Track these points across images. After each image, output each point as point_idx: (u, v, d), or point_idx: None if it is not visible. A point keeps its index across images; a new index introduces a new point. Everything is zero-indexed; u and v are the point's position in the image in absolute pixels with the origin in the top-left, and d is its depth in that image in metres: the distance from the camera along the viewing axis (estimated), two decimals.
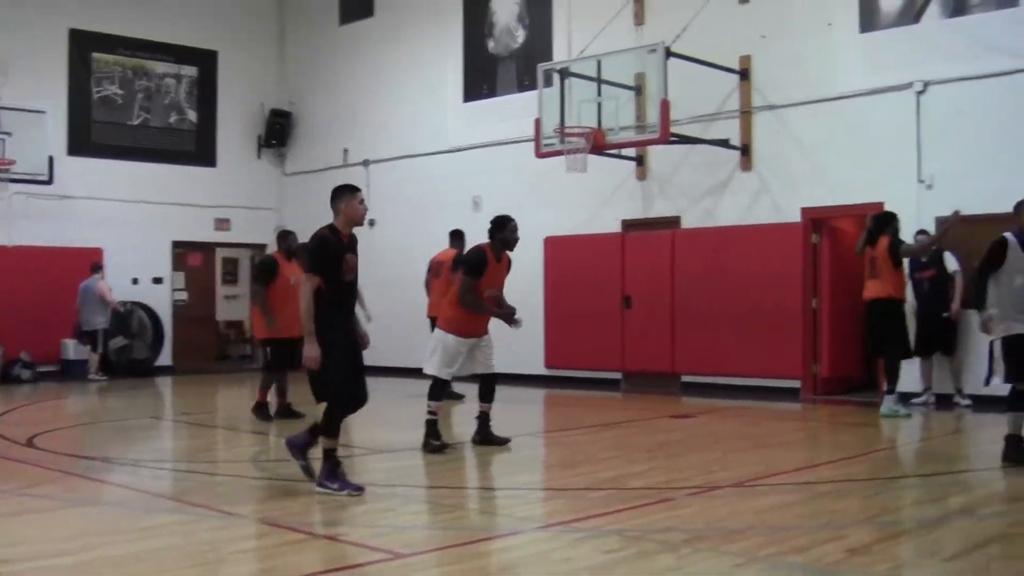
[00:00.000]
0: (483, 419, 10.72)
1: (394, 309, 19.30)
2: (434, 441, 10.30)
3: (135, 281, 21.52)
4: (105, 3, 21.60)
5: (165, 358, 21.72)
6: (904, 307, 13.18)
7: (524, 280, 17.87)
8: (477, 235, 15.47)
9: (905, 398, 13.96)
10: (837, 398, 14.59)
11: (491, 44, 19.91)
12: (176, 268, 22.70)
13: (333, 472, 8.07)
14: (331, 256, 8.09)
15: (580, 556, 6.31)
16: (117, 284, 20.89)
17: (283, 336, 12.96)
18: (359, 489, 8.00)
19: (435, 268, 15.62)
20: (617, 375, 17.43)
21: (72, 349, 20.30)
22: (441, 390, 10.50)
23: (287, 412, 13.26)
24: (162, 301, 21.62)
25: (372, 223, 21.60)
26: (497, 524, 7.28)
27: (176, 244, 22.60)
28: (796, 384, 15.45)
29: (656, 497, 7.55)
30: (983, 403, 13.17)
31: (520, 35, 19.47)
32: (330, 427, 8.10)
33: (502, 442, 10.64)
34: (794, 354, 15.37)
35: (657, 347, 16.69)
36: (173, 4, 22.52)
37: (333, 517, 7.47)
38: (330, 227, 8.22)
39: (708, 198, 16.54)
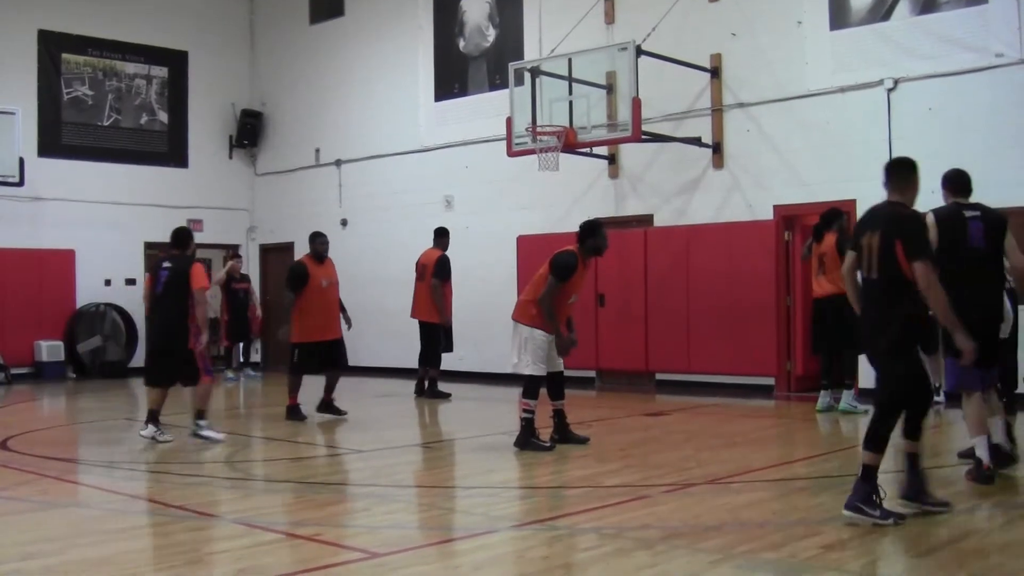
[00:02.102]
0: (561, 417, 10.58)
1: (366, 309, 19.26)
2: (539, 441, 10.20)
3: (107, 282, 21.43)
4: (74, 4, 21.45)
5: (138, 359, 21.59)
6: None
7: (497, 279, 17.98)
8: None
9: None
10: (811, 395, 14.57)
11: (462, 43, 19.89)
12: (148, 269, 22.56)
13: (872, 495, 6.77)
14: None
15: (556, 554, 6.33)
16: (89, 286, 20.87)
17: (314, 339, 13.02)
18: (902, 517, 6.78)
19: (419, 270, 15.57)
20: (591, 373, 17.44)
21: (45, 351, 20.19)
22: (538, 388, 10.24)
23: (328, 408, 13.33)
24: (135, 302, 21.41)
25: (344, 223, 21.60)
26: (473, 523, 7.27)
27: (148, 245, 22.46)
28: (770, 381, 15.49)
29: (631, 495, 7.56)
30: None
31: (491, 34, 19.46)
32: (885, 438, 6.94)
33: (582, 440, 10.54)
34: (768, 351, 15.42)
35: (631, 345, 16.71)
36: (143, 5, 22.39)
37: (308, 517, 7.46)
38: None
39: (680, 196, 16.56)
